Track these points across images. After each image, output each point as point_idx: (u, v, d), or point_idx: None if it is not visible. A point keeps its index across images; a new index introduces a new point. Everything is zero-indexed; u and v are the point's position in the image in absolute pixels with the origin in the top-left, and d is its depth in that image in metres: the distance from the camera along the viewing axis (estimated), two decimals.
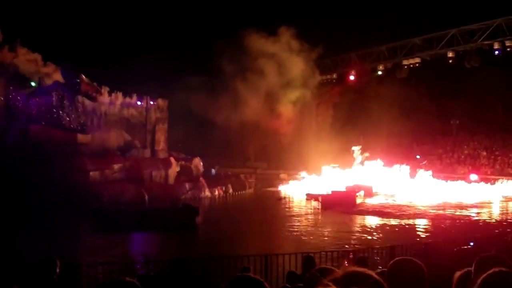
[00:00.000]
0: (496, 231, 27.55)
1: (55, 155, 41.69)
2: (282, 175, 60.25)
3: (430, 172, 53.81)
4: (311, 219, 36.67)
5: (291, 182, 57.43)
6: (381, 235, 28.60)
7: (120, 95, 52.19)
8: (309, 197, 46.32)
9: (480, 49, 52.18)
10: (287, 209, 41.61)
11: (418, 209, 38.41)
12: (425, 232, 29.18)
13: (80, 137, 46.65)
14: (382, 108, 58.82)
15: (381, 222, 33.23)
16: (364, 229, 31.28)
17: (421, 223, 32.21)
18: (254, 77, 59.34)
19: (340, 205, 38.21)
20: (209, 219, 34.60)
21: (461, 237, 20.40)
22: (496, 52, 50.61)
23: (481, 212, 37.52)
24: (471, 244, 15.06)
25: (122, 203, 38.88)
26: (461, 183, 50.35)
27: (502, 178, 50.93)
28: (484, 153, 60.07)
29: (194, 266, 14.30)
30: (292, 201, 46.75)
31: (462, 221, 32.87)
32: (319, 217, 37.77)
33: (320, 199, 42.67)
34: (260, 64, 59.42)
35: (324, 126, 67.89)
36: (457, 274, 3.91)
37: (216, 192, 49.91)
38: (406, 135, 63.79)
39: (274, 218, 36.01)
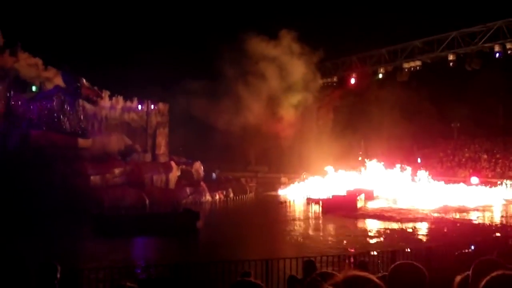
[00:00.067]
0: (498, 234, 27.51)
1: (56, 160, 41.69)
2: (283, 179, 60.23)
3: (427, 173, 53.86)
4: (312, 223, 36.63)
5: (291, 185, 57.46)
6: (382, 239, 28.57)
7: (121, 99, 52.23)
8: (310, 201, 46.34)
9: (481, 52, 52.19)
10: (287, 213, 41.57)
11: (419, 212, 38.37)
12: (426, 235, 29.16)
13: (81, 141, 46.67)
14: (382, 111, 58.86)
15: (382, 226, 33.20)
16: (365, 233, 31.25)
17: (422, 227, 32.18)
18: (255, 80, 59.40)
19: (340, 209, 38.18)
20: (210, 224, 34.58)
21: (462, 240, 20.38)
22: (497, 55, 50.59)
23: (482, 216, 37.47)
24: (472, 247, 15.03)
25: (122, 207, 38.87)
26: (462, 186, 50.34)
27: (506, 180, 50.94)
28: (485, 156, 60.05)
29: (195, 271, 14.27)
30: (293, 205, 46.71)
31: (463, 224, 32.83)
32: (320, 221, 37.74)
33: (320, 203, 42.66)
34: (261, 68, 59.49)
35: (325, 130, 67.91)
36: (458, 278, 3.90)
37: (217, 196, 49.90)
38: (407, 138, 63.80)
39: (275, 222, 35.98)
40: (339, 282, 2.55)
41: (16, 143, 43.70)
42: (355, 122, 64.24)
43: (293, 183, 57.99)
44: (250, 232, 31.93)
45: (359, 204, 42.63)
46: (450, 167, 61.36)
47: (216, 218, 39.72)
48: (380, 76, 60.37)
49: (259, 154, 68.89)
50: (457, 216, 36.86)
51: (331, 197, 43.40)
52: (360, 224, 34.51)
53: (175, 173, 48.56)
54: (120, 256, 22.69)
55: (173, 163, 49.56)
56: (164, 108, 54.55)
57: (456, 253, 13.05)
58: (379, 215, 37.48)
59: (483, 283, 2.78)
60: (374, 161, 58.20)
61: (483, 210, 39.97)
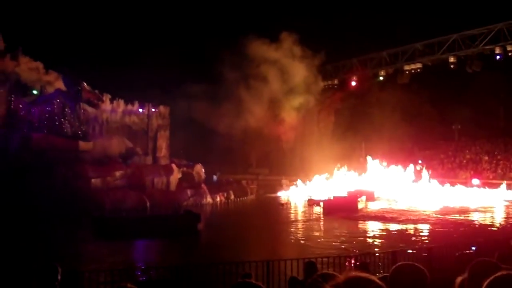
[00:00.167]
0: (499, 235, 27.50)
1: (57, 163, 41.69)
2: (284, 181, 60.23)
3: (428, 175, 53.95)
4: (313, 224, 36.59)
5: (292, 187, 57.51)
6: (383, 240, 28.54)
7: (121, 102, 52.22)
8: (311, 202, 46.32)
9: (481, 54, 52.26)
10: (288, 215, 41.56)
11: (420, 214, 38.33)
12: (427, 237, 29.12)
13: (82, 144, 46.68)
14: (383, 113, 58.88)
15: (383, 227, 33.17)
16: (366, 234, 31.22)
17: (423, 228, 32.14)
18: (256, 84, 59.45)
19: (341, 210, 38.16)
20: (211, 225, 34.57)
21: (463, 241, 20.36)
22: (498, 57, 50.68)
23: (483, 217, 37.44)
24: (473, 248, 15.03)
25: (124, 210, 38.87)
26: (463, 187, 50.40)
27: (505, 181, 51.01)
28: (486, 158, 60.05)
29: (196, 272, 14.27)
30: (294, 206, 46.69)
31: (464, 225, 32.80)
32: (321, 222, 37.72)
33: (321, 204, 42.67)
34: (262, 71, 59.55)
35: (326, 132, 67.96)
36: (459, 279, 3.90)
37: (218, 199, 49.88)
38: (408, 140, 63.85)
39: (276, 224, 35.97)
40: (340, 283, 2.56)
41: (17, 147, 43.73)
42: (356, 124, 64.29)
43: (294, 185, 57.99)
44: (251, 233, 31.93)
45: (360, 205, 42.63)
46: (451, 168, 61.38)
47: (217, 220, 39.71)
48: (381, 78, 60.46)
49: (260, 157, 68.93)
50: (458, 217, 36.81)
51: (332, 199, 43.38)
52: (361, 225, 34.48)
53: (176, 175, 48.55)
54: (121, 258, 22.68)
55: (174, 166, 49.55)
56: (165, 111, 54.54)
57: (457, 254, 13.06)
58: (380, 216, 37.44)
59: (486, 282, 2.77)
60: (377, 161, 58.29)
61: (484, 211, 39.93)
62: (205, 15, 66.45)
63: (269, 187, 58.14)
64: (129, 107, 52.87)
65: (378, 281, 2.63)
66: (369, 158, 59.60)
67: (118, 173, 45.29)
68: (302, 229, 33.80)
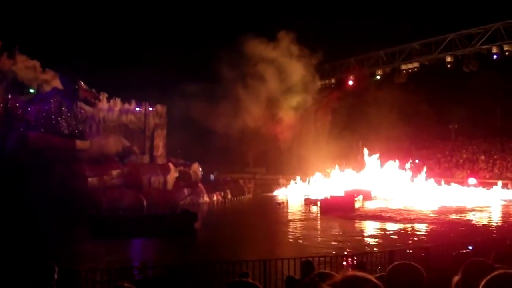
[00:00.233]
0: (495, 235, 27.54)
1: (54, 162, 41.68)
2: (281, 180, 60.24)
3: (425, 174, 54.05)
4: (310, 223, 36.58)
5: (289, 186, 57.52)
6: (380, 239, 28.56)
7: (118, 101, 52.15)
8: (308, 201, 46.32)
9: (478, 54, 52.30)
10: (285, 214, 41.55)
11: (417, 213, 38.35)
12: (424, 236, 29.15)
13: (79, 143, 46.66)
14: (380, 113, 58.89)
15: (380, 227, 33.19)
16: (363, 233, 31.25)
17: (420, 227, 32.16)
18: (253, 83, 59.41)
19: (338, 210, 38.18)
20: (208, 225, 34.55)
21: (460, 241, 20.38)
22: (495, 57, 50.73)
23: (480, 216, 37.48)
24: (470, 248, 15.04)
25: (120, 209, 38.85)
26: (460, 187, 50.48)
27: (505, 181, 51.20)
28: (483, 157, 60.13)
29: (192, 272, 14.26)
30: (291, 205, 46.70)
31: (461, 225, 32.84)
32: (318, 221, 37.73)
33: (318, 203, 42.69)
34: (259, 70, 59.50)
35: (323, 131, 67.97)
36: (456, 278, 3.90)
37: (215, 198, 49.88)
38: (405, 140, 63.88)
39: (273, 223, 35.99)
40: (337, 282, 2.56)
41: (14, 145, 43.71)
42: (353, 123, 64.30)
43: (292, 184, 58.04)
44: (248, 232, 31.94)
45: (357, 204, 42.65)
46: (447, 168, 61.44)
47: (214, 219, 39.71)
48: (378, 78, 60.51)
49: (257, 156, 68.89)
50: (455, 216, 36.85)
51: (329, 198, 43.39)
52: (357, 224, 34.50)
53: (173, 174, 48.54)
54: (118, 257, 22.67)
55: (171, 165, 49.53)
56: (162, 110, 54.49)
57: (454, 253, 13.04)
58: (377, 216, 37.45)
59: (485, 281, 2.77)
60: (375, 156, 58.38)
61: (481, 211, 39.99)
62: (202, 14, 66.44)
63: (266, 186, 58.16)
64: (126, 106, 52.80)
65: (375, 280, 2.63)
66: (365, 152, 59.58)
67: (115, 172, 45.27)
68: (299, 229, 33.79)
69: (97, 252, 24.40)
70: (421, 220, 34.89)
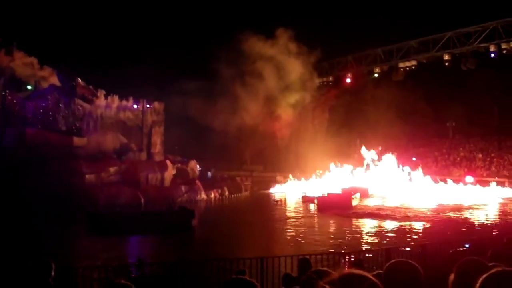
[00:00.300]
0: (492, 233, 27.57)
1: (51, 158, 41.62)
2: (278, 178, 60.26)
3: (422, 172, 54.15)
4: (307, 221, 36.60)
5: (286, 184, 57.53)
6: (377, 237, 28.59)
7: (116, 98, 52.06)
8: (305, 199, 46.33)
9: (476, 52, 52.32)
10: (283, 212, 41.57)
11: (414, 211, 38.39)
12: (421, 234, 29.18)
13: (76, 140, 46.61)
14: (378, 110, 58.88)
15: (377, 224, 33.23)
16: (360, 231, 31.28)
17: (417, 225, 32.20)
18: (251, 80, 59.39)
19: (336, 207, 38.20)
20: (205, 222, 34.58)
21: (457, 239, 20.40)
22: (492, 55, 50.74)
23: (477, 214, 37.52)
24: (467, 246, 15.05)
25: (118, 206, 38.86)
26: (457, 185, 50.52)
27: (501, 179, 51.32)
28: (480, 155, 60.19)
29: (189, 269, 14.26)
30: (288, 203, 46.73)
31: (458, 223, 32.86)
32: (315, 219, 37.75)
33: (315, 201, 42.70)
34: (257, 68, 59.48)
35: (321, 129, 67.98)
36: (452, 276, 3.90)
37: (212, 195, 49.87)
38: (403, 138, 63.87)
39: (270, 221, 36.00)
40: (335, 280, 2.55)
41: (12, 142, 43.66)
42: (351, 121, 64.31)
43: (290, 181, 58.07)
44: (245, 230, 31.93)
45: (354, 202, 42.68)
46: (445, 166, 61.48)
47: (211, 216, 39.70)
48: (376, 75, 60.51)
49: (255, 154, 68.93)
50: (452, 214, 36.89)
51: (326, 195, 43.41)
52: (355, 222, 34.52)
53: (170, 171, 48.53)
54: (115, 254, 22.69)
55: (168, 162, 49.52)
56: (159, 107, 54.43)
57: (451, 251, 13.08)
58: (374, 213, 37.48)
59: (482, 279, 2.77)
60: (373, 151, 58.51)
61: (478, 209, 40.03)
62: (201, 11, 66.40)
63: (263, 184, 58.16)
64: (124, 103, 52.72)
65: (372, 278, 2.63)
66: (363, 150, 59.68)
67: (112, 169, 45.24)
68: (296, 226, 33.80)
69: (94, 249, 24.41)
70: (418, 218, 34.93)
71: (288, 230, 31.91)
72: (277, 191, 54.77)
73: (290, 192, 53.00)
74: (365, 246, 23.91)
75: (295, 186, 55.98)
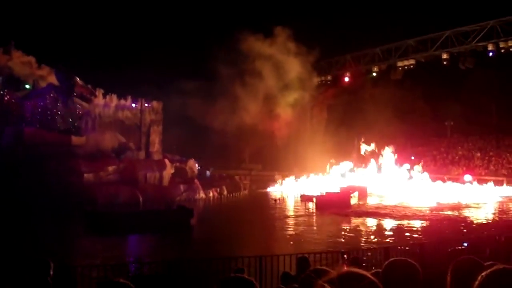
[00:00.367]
0: (490, 232, 27.61)
1: (50, 158, 41.62)
2: (277, 177, 60.30)
3: (421, 171, 54.21)
4: (305, 220, 36.63)
5: (284, 183, 57.54)
6: (375, 236, 28.62)
7: (114, 97, 52.01)
8: (304, 198, 46.34)
9: (474, 51, 52.36)
10: (281, 210, 41.60)
11: (413, 210, 38.42)
12: (420, 233, 29.21)
13: (74, 139, 46.60)
14: (376, 109, 58.86)
15: (376, 223, 33.26)
16: (359, 230, 31.32)
17: (416, 224, 32.23)
18: (250, 79, 59.35)
19: (334, 206, 38.21)
20: (204, 221, 34.61)
21: (456, 238, 20.43)
22: (490, 54, 50.80)
23: (475, 213, 37.56)
24: (465, 244, 15.08)
25: (116, 204, 38.85)
26: (456, 183, 50.57)
27: (497, 178, 51.38)
28: (478, 154, 60.26)
29: (188, 267, 14.27)
30: (286, 202, 46.76)
31: (456, 221, 32.89)
32: (313, 218, 37.78)
33: (314, 200, 42.72)
34: (255, 67, 59.42)
35: (319, 128, 67.96)
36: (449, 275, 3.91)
37: (211, 194, 49.88)
38: (401, 137, 63.93)
39: (268, 219, 36.01)
40: (333, 278, 2.55)
41: (10, 141, 43.64)
42: (349, 120, 64.28)
43: (289, 180, 58.09)
44: (243, 229, 31.94)
45: (353, 201, 42.71)
46: (443, 164, 61.54)
47: (209, 215, 39.74)
48: (374, 74, 60.54)
49: (253, 152, 68.94)
50: (451, 213, 36.93)
51: (324, 194, 43.43)
52: (353, 221, 34.55)
53: (168, 170, 48.53)
54: (114, 253, 22.68)
55: (166, 161, 49.51)
56: (158, 106, 54.37)
57: (449, 249, 13.09)
58: (372, 212, 37.51)
59: (482, 276, 2.77)
60: (372, 145, 58.65)
61: (476, 207, 40.07)
62: (199, 10, 66.36)
63: (262, 183, 58.19)
64: (122, 102, 52.67)
65: (371, 277, 2.63)
66: (363, 147, 59.82)
67: (110, 168, 45.25)
68: (294, 225, 33.83)
69: (93, 248, 24.41)
70: (416, 217, 34.97)
71: (287, 229, 31.94)
72: (275, 190, 54.80)
73: (288, 191, 53.01)
74: (363, 245, 23.92)
75: (294, 185, 55.98)
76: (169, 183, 47.92)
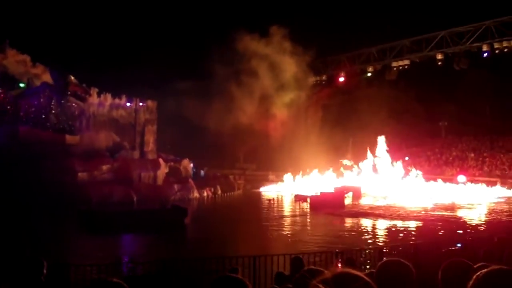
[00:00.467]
0: (484, 232, 27.66)
1: (44, 156, 41.53)
2: (271, 177, 60.29)
3: (416, 171, 54.32)
4: (300, 220, 36.65)
5: (279, 183, 57.57)
6: (369, 236, 28.65)
7: (109, 96, 51.97)
8: (298, 198, 46.36)
9: (468, 51, 52.49)
10: (275, 210, 41.61)
11: (407, 210, 38.46)
12: (414, 233, 29.25)
13: (69, 138, 46.55)
14: (371, 109, 58.92)
15: (370, 224, 33.29)
16: (353, 230, 31.33)
17: (410, 224, 32.27)
18: (245, 79, 59.33)
19: (328, 206, 38.23)
20: (198, 220, 34.59)
21: (450, 238, 20.46)
22: (485, 54, 50.92)
23: (469, 213, 37.62)
24: (459, 245, 15.12)
25: (110, 204, 38.77)
26: (448, 184, 50.67)
27: (490, 179, 51.52)
28: (472, 155, 60.38)
29: (182, 267, 14.26)
30: (281, 202, 46.77)
31: (450, 222, 32.94)
32: (307, 218, 37.80)
33: (308, 200, 42.74)
34: (250, 66, 59.39)
35: (314, 128, 67.95)
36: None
37: (205, 193, 49.87)
38: (395, 137, 63.98)
39: (263, 219, 36.00)
40: (328, 279, 2.55)
41: (4, 140, 43.51)
42: (344, 120, 64.33)
43: (283, 180, 58.12)
44: (237, 228, 31.91)
45: (347, 201, 42.75)
46: (437, 165, 61.65)
47: (204, 215, 39.74)
48: (369, 74, 60.59)
49: (248, 152, 68.93)
50: (445, 213, 36.98)
51: (319, 194, 43.46)
52: (347, 221, 34.58)
53: (163, 170, 48.52)
54: (108, 252, 22.63)
55: (161, 160, 49.50)
56: (152, 105, 54.32)
57: (443, 250, 13.12)
58: (366, 213, 37.54)
59: (478, 276, 2.77)
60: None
61: (470, 208, 40.15)
62: (195, 9, 66.32)
63: (256, 182, 58.21)
64: (117, 101, 52.62)
65: (365, 277, 2.63)
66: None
67: (105, 167, 45.22)
68: (288, 225, 33.85)
69: (87, 247, 24.36)
70: (410, 217, 34.99)
71: (281, 229, 31.94)
72: (270, 190, 54.81)
73: (283, 191, 53.02)
74: (357, 245, 23.95)
75: (288, 184, 56.00)
76: (163, 183, 47.91)
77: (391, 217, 35.14)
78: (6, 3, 57.04)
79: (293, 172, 58.89)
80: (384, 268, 3.62)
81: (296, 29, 57.11)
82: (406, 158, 59.54)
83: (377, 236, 28.49)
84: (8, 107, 47.01)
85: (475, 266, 3.80)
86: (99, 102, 51.19)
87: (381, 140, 58.17)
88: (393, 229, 30.78)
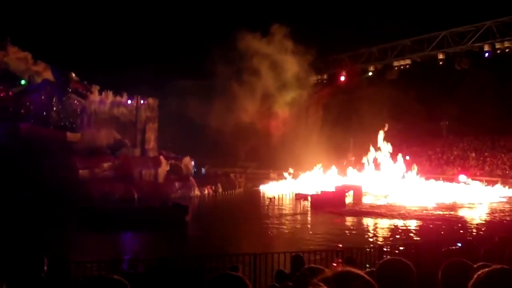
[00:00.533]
0: (484, 232, 27.66)
1: (45, 154, 41.54)
2: (272, 175, 60.29)
3: (416, 170, 54.29)
4: (300, 218, 36.66)
5: (280, 181, 57.54)
6: (370, 235, 28.65)
7: (110, 93, 51.96)
8: (299, 196, 46.34)
9: (470, 51, 52.46)
10: (276, 208, 41.59)
11: (408, 209, 38.44)
12: (414, 232, 29.24)
13: (70, 135, 46.56)
14: (372, 109, 58.91)
15: (370, 222, 33.28)
16: (353, 229, 31.31)
17: (411, 224, 32.25)
18: (247, 78, 59.31)
19: (329, 205, 38.23)
20: (199, 218, 34.57)
21: (450, 238, 20.46)
22: (486, 54, 50.88)
23: (470, 213, 37.61)
24: (459, 244, 15.11)
25: (111, 201, 38.77)
26: (449, 184, 50.60)
27: (491, 179, 51.47)
28: (473, 155, 60.33)
29: (183, 265, 14.27)
30: (281, 200, 46.75)
31: (451, 221, 32.93)
32: (308, 216, 37.80)
33: (309, 198, 42.74)
34: (253, 65, 59.38)
35: (315, 127, 67.97)
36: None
37: (206, 191, 49.89)
38: (396, 137, 63.94)
39: (263, 217, 36.00)
40: (329, 277, 2.56)
41: (5, 136, 43.51)
42: (345, 119, 64.36)
43: (284, 178, 58.10)
44: (238, 226, 31.92)
45: (348, 200, 42.71)
46: (438, 165, 61.61)
47: (204, 213, 39.72)
48: (370, 74, 60.56)
49: (249, 150, 68.91)
50: (445, 213, 36.96)
51: (319, 193, 43.46)
52: (348, 220, 34.57)
53: (164, 167, 48.52)
54: (109, 250, 22.64)
55: (162, 158, 49.50)
56: (153, 103, 54.32)
57: (444, 249, 13.12)
58: (367, 211, 37.54)
59: (480, 275, 2.78)
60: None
61: (471, 207, 40.13)
62: (196, 8, 66.29)
63: (257, 181, 58.21)
64: (118, 98, 52.61)
65: (366, 276, 2.64)
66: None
67: (106, 165, 45.22)
68: (289, 223, 33.83)
69: (88, 244, 24.37)
70: (411, 216, 34.98)
71: (282, 227, 31.93)
72: (271, 188, 54.79)
73: (284, 189, 52.99)
74: (358, 244, 23.95)
75: (289, 183, 55.98)
76: (164, 180, 47.92)
77: (392, 216, 35.14)
78: (7, 0, 57.12)
79: (294, 171, 58.87)
80: (384, 267, 3.63)
81: (298, 28, 57.16)
82: (407, 158, 59.45)
83: (377, 235, 28.49)
84: (9, 104, 47.01)
85: (475, 266, 3.82)
86: (100, 100, 51.19)
87: (381, 135, 58.09)
88: (393, 228, 30.78)
